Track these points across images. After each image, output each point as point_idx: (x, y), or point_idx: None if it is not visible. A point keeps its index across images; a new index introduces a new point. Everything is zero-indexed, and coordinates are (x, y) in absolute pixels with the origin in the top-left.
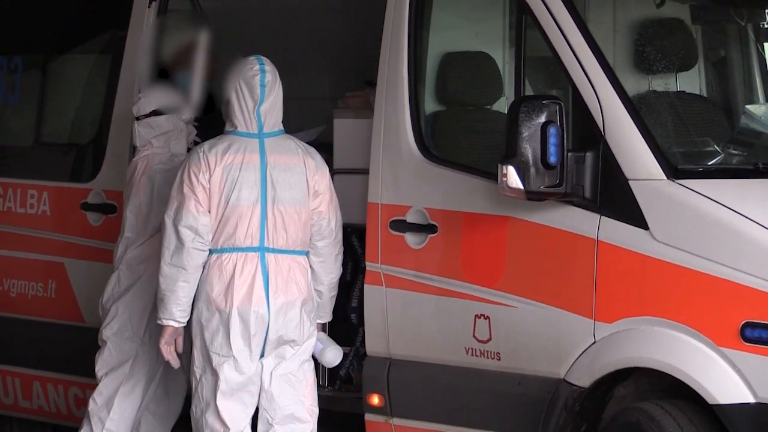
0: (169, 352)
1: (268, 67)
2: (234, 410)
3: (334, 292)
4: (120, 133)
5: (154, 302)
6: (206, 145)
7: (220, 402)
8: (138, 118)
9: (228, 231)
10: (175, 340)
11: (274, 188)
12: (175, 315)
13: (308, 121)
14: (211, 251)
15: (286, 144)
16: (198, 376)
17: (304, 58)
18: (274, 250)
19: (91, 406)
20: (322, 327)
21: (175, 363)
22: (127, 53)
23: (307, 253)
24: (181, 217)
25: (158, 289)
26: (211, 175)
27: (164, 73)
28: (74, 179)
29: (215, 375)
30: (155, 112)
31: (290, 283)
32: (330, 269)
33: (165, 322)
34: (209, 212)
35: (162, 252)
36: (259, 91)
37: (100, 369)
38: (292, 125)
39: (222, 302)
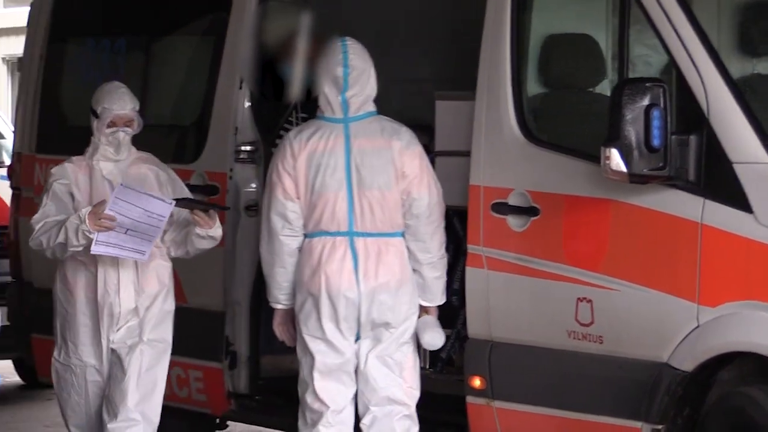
0: (283, 332)
1: (354, 50)
2: (332, 389)
3: (437, 273)
4: (222, 115)
5: None
6: (293, 131)
7: (317, 382)
8: None
9: (316, 216)
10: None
11: (360, 172)
12: (279, 299)
13: (410, 103)
14: (304, 235)
15: (371, 127)
16: (299, 358)
17: (405, 40)
18: (363, 234)
19: None
20: (432, 309)
21: (291, 342)
22: (229, 35)
23: (402, 235)
24: (272, 204)
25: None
26: (296, 162)
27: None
28: (176, 160)
29: (311, 356)
30: None
31: (381, 266)
32: (426, 248)
33: (273, 305)
34: (298, 198)
35: (260, 237)
36: (342, 76)
37: None
38: (394, 107)
39: (312, 286)
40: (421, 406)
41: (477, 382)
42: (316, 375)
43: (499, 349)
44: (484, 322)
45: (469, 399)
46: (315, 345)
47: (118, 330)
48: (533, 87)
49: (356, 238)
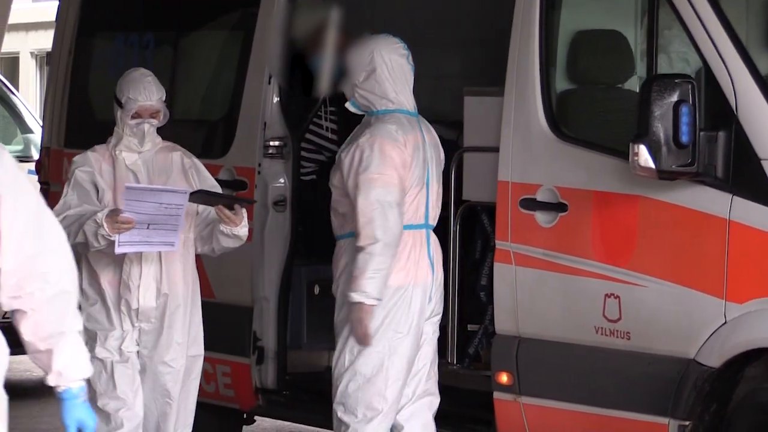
0: (368, 330)
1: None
2: (395, 389)
3: None
4: (251, 110)
5: None
6: (393, 124)
7: (385, 378)
8: None
9: (410, 209)
10: None
11: (431, 166)
12: (382, 294)
13: (438, 98)
14: None
15: (426, 123)
16: (357, 350)
17: (434, 35)
18: (431, 227)
19: None
20: None
21: (369, 342)
22: (258, 30)
23: None
24: (391, 197)
25: (359, 267)
26: (404, 154)
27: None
28: (205, 155)
29: (382, 352)
30: None
31: (439, 258)
32: None
33: (368, 301)
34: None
35: (369, 231)
36: (410, 71)
37: None
38: (422, 103)
39: (401, 280)
40: (448, 402)
41: (504, 378)
42: (390, 371)
43: (527, 344)
44: (511, 317)
45: (497, 395)
46: (396, 339)
47: (137, 327)
48: (562, 83)
49: (429, 230)
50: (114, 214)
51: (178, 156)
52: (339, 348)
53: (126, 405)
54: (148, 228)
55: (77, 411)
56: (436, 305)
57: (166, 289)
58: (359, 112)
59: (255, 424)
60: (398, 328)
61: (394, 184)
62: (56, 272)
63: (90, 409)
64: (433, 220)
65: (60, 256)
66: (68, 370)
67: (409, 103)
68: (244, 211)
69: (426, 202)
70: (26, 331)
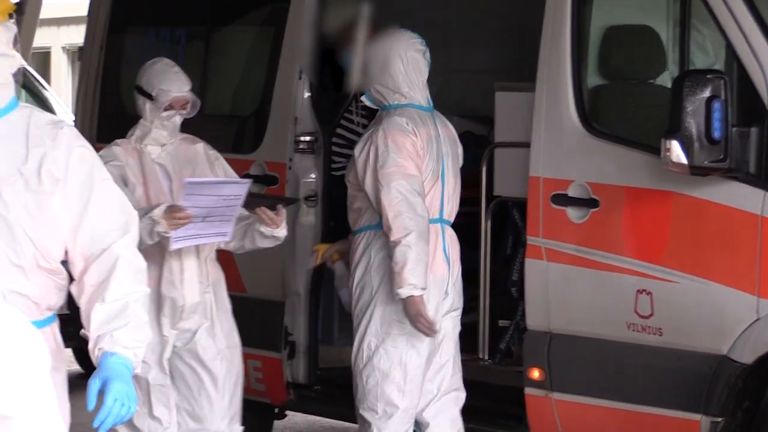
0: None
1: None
2: (415, 385)
3: None
4: (282, 105)
5: None
6: (404, 118)
7: (403, 374)
8: None
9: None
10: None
11: (446, 160)
12: (425, 282)
13: (469, 94)
14: None
15: (442, 118)
16: (374, 346)
17: (465, 30)
18: (447, 222)
19: None
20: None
21: (433, 332)
22: (289, 25)
23: None
24: (415, 189)
25: (398, 261)
26: (420, 148)
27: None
28: (236, 150)
29: (399, 347)
30: None
31: (456, 253)
32: None
33: (415, 293)
34: None
35: (399, 223)
36: (425, 66)
37: None
38: (453, 98)
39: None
40: (479, 398)
41: (536, 374)
42: (408, 367)
43: (558, 340)
44: (543, 313)
45: (528, 390)
46: (412, 337)
47: (180, 324)
48: (593, 78)
49: (444, 225)
50: (171, 210)
51: (201, 147)
52: (356, 344)
53: (162, 425)
54: (203, 221)
55: (107, 370)
56: (454, 300)
57: (206, 281)
58: (374, 107)
59: (286, 418)
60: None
61: (413, 174)
62: (110, 237)
63: (129, 378)
64: (449, 215)
65: (119, 234)
66: (108, 332)
67: (422, 98)
68: (284, 212)
69: (441, 196)
70: (83, 311)
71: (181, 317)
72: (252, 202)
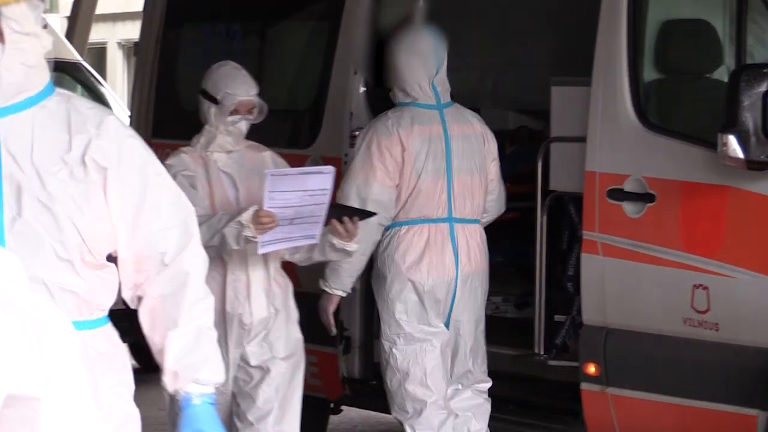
0: (331, 319)
1: (438, 38)
2: (436, 377)
3: None
4: (337, 100)
5: None
6: (392, 118)
7: (422, 369)
8: None
9: (420, 203)
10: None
11: (458, 158)
12: (347, 285)
13: (525, 88)
14: (401, 223)
15: (461, 114)
16: (388, 348)
17: (521, 25)
18: (461, 220)
19: None
20: None
21: (333, 330)
22: (344, 21)
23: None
24: (370, 190)
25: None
26: (403, 150)
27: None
28: (292, 145)
29: (412, 344)
30: None
31: (475, 252)
32: None
33: (335, 292)
34: (397, 186)
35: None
36: (433, 63)
37: None
38: (508, 92)
39: (416, 274)
40: (535, 393)
41: (592, 369)
42: (426, 362)
43: (614, 335)
44: (599, 308)
45: (584, 386)
46: (420, 332)
47: (248, 343)
48: (649, 73)
49: (455, 224)
50: (258, 214)
51: (268, 156)
52: (380, 345)
53: None
54: (291, 223)
55: (198, 422)
56: (470, 296)
57: (274, 294)
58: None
59: (342, 413)
60: (422, 320)
61: (373, 180)
62: (174, 250)
63: (219, 421)
64: (464, 213)
65: (179, 234)
66: (187, 369)
67: (426, 95)
68: (359, 225)
69: (448, 195)
70: (145, 322)
71: (248, 335)
72: (338, 212)
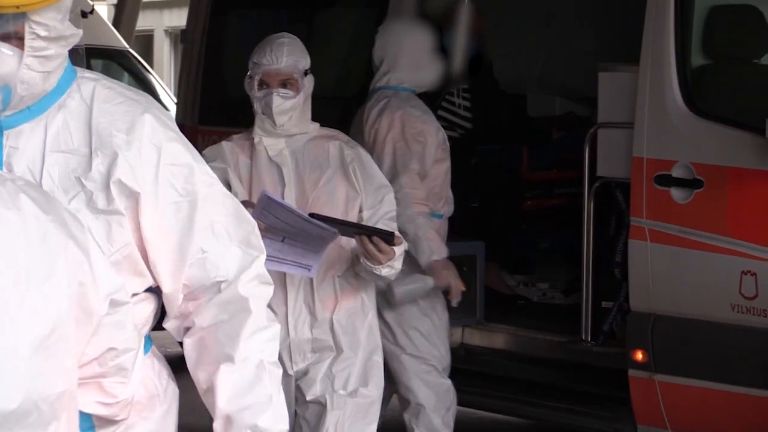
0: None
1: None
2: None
3: None
4: None
5: None
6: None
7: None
8: None
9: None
10: None
11: None
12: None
13: (572, 74)
14: None
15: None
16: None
17: (568, 11)
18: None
19: None
20: None
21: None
22: (391, 7)
23: None
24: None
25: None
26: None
27: None
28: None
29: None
30: None
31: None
32: None
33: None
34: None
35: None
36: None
37: None
38: (556, 78)
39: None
40: (582, 380)
41: (639, 356)
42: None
43: (662, 322)
44: (646, 295)
45: (631, 372)
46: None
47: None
48: (697, 58)
49: None
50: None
51: (336, 147)
52: None
53: None
54: (283, 241)
55: None
56: None
57: (321, 315)
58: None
59: None
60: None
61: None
62: (233, 275)
63: None
64: None
65: (241, 255)
66: (242, 414)
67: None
68: (398, 248)
69: None
70: (190, 356)
71: (290, 359)
72: (362, 231)
